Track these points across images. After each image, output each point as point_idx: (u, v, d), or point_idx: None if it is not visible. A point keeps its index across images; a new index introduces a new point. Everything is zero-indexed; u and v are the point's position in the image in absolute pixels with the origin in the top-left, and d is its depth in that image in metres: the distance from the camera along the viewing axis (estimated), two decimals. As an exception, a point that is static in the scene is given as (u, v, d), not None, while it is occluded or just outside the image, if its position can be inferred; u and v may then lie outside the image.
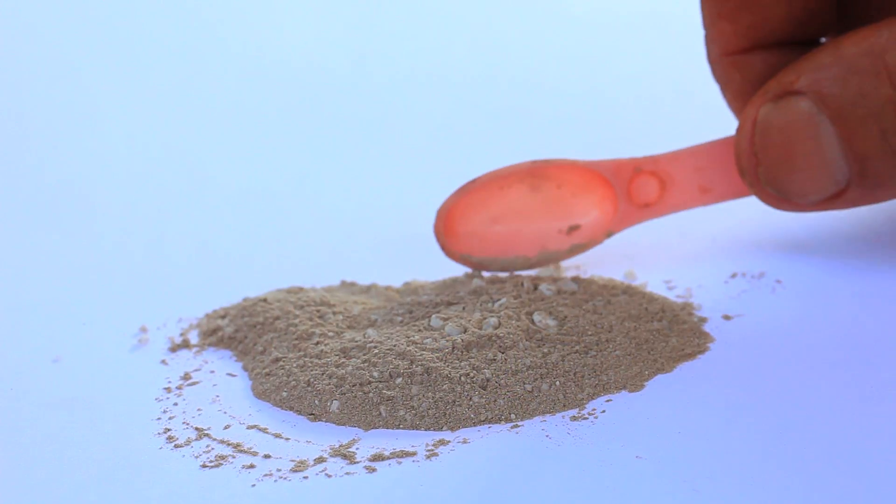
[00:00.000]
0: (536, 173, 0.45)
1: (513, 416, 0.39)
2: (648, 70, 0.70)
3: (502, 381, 0.40)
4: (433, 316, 0.42)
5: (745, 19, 0.43)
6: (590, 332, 0.42)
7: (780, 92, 0.40)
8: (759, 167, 0.41)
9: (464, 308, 0.43)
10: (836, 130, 0.39)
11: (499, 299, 0.43)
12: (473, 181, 0.45)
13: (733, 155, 0.43)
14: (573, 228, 0.45)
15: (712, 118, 0.51)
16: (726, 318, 0.45)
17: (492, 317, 0.42)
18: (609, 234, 0.43)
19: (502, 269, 0.46)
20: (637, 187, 0.44)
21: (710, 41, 0.44)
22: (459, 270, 0.49)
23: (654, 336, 0.43)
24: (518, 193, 0.45)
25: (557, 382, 0.40)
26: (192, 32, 0.81)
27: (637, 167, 0.43)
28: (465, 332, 0.41)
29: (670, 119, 0.62)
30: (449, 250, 0.45)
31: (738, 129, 0.42)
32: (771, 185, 0.41)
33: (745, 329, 0.44)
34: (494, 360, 0.40)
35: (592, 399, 0.40)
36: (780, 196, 0.41)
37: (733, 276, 0.49)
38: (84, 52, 0.79)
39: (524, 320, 0.42)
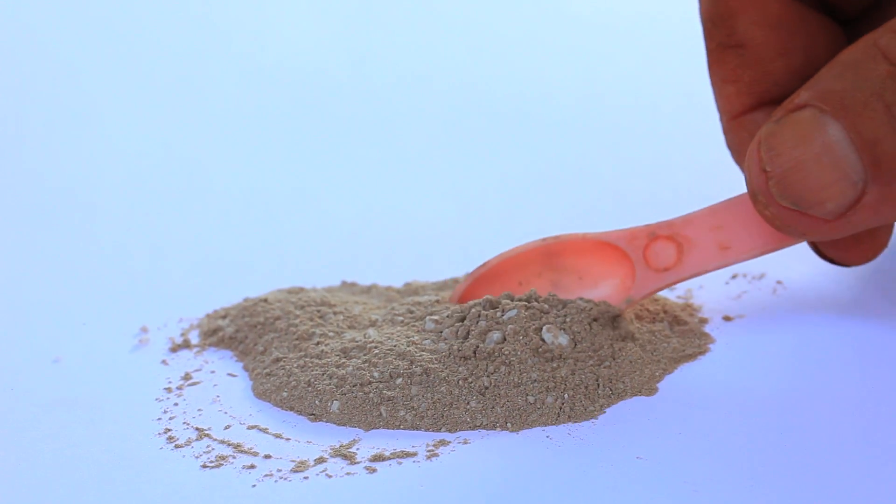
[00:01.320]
0: (554, 264, 0.43)
1: (509, 424, 0.39)
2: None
3: (502, 392, 0.39)
4: (427, 318, 0.42)
5: (747, 76, 0.43)
6: (605, 347, 0.41)
7: (783, 113, 0.40)
8: (769, 182, 0.40)
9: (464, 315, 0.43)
10: (841, 124, 0.38)
11: (508, 310, 0.41)
12: (484, 265, 0.44)
13: (752, 209, 0.42)
14: None
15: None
16: (727, 318, 0.45)
17: (497, 331, 0.41)
18: (629, 301, 0.43)
19: None
20: (653, 253, 0.43)
21: (720, 111, 0.44)
22: (460, 271, 0.49)
23: (656, 337, 0.43)
24: (539, 290, 0.44)
25: (566, 395, 0.39)
26: (196, 34, 0.81)
27: (651, 233, 0.43)
28: (466, 338, 0.41)
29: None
30: None
31: (747, 156, 0.41)
32: (785, 198, 0.39)
33: (746, 330, 0.44)
34: (497, 371, 0.40)
35: (604, 411, 0.39)
36: (797, 209, 0.39)
37: (734, 277, 0.49)
38: (88, 53, 0.79)
39: (532, 337, 0.41)
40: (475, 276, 0.44)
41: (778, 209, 0.40)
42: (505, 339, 0.40)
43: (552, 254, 0.43)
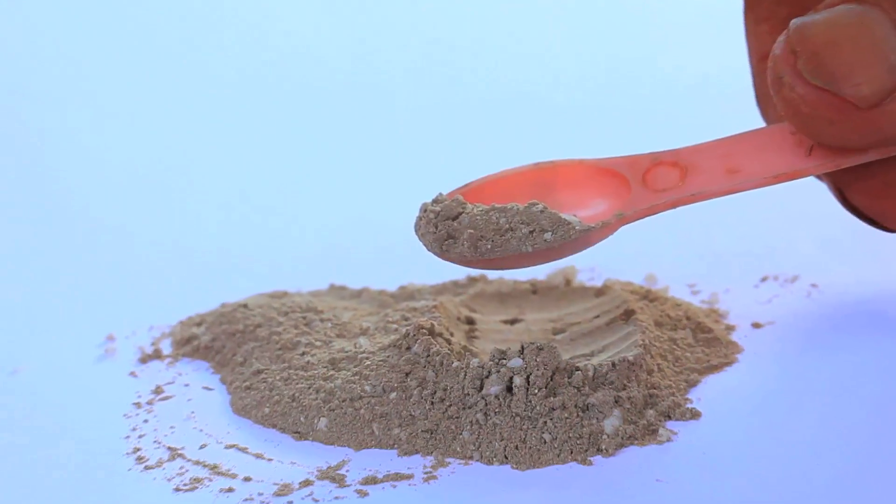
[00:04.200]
0: (546, 197, 0.43)
1: (509, 459, 0.39)
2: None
3: (506, 424, 0.39)
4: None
5: (783, 12, 0.43)
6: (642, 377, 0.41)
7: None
8: (798, 61, 0.39)
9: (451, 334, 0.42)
10: (882, 8, 0.38)
11: (512, 357, 0.40)
12: (466, 185, 0.44)
13: (765, 137, 0.42)
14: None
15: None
16: (756, 326, 0.45)
17: (495, 383, 0.40)
18: (620, 216, 0.42)
19: (502, 267, 0.44)
20: (654, 177, 0.43)
21: (750, 52, 0.44)
22: (460, 273, 0.49)
23: (677, 346, 0.43)
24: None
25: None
26: (176, 34, 0.82)
27: (655, 158, 0.43)
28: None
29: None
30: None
31: (774, 46, 0.40)
32: (816, 74, 0.39)
33: (777, 338, 0.44)
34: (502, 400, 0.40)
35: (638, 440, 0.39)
36: (828, 87, 0.39)
37: (764, 279, 0.49)
38: (58, 49, 0.79)
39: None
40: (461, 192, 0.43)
41: (806, 89, 0.39)
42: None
43: (544, 184, 0.43)
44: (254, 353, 0.44)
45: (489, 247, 0.39)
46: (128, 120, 0.71)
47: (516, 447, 0.38)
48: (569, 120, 0.69)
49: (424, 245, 0.41)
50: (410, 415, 0.39)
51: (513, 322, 0.45)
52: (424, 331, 0.41)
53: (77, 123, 0.71)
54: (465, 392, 0.39)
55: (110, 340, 0.47)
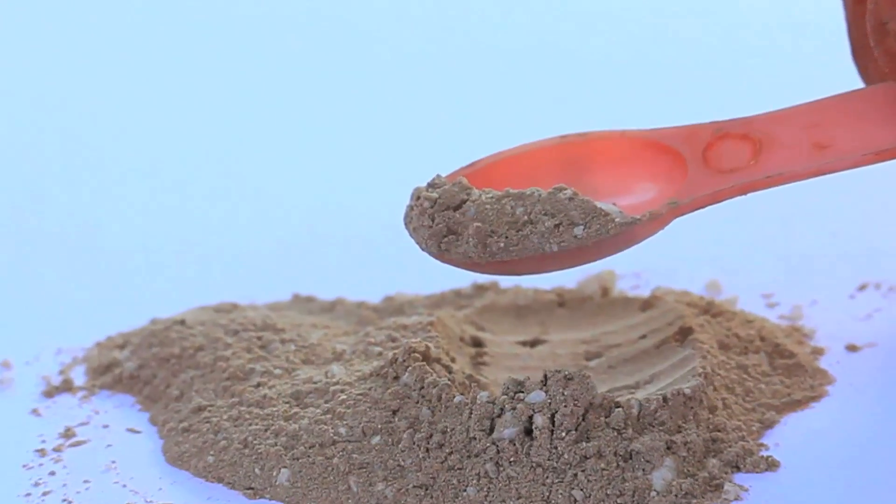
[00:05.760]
0: (576, 177, 0.43)
1: None
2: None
3: (524, 477, 0.39)
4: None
5: None
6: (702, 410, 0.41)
7: None
8: None
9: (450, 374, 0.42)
10: None
11: (532, 390, 0.40)
12: (471, 165, 0.44)
13: (860, 104, 0.43)
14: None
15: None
16: (852, 349, 0.45)
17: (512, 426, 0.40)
18: (673, 205, 0.42)
19: (518, 271, 0.44)
20: (717, 154, 0.43)
21: None
22: (464, 279, 0.49)
23: (749, 375, 0.43)
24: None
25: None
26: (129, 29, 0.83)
27: (718, 129, 0.43)
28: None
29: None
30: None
31: None
32: None
33: (879, 366, 0.44)
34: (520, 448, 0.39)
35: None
36: None
37: (862, 288, 0.49)
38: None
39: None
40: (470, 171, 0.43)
41: None
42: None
43: (574, 163, 0.43)
44: (194, 385, 0.44)
45: (502, 245, 0.39)
46: (37, 111, 0.71)
47: None
48: (605, 79, 0.69)
49: (417, 243, 0.41)
50: (399, 465, 0.39)
51: (533, 344, 0.45)
52: (417, 355, 0.41)
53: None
54: (471, 435, 0.39)
55: (5, 368, 0.47)
